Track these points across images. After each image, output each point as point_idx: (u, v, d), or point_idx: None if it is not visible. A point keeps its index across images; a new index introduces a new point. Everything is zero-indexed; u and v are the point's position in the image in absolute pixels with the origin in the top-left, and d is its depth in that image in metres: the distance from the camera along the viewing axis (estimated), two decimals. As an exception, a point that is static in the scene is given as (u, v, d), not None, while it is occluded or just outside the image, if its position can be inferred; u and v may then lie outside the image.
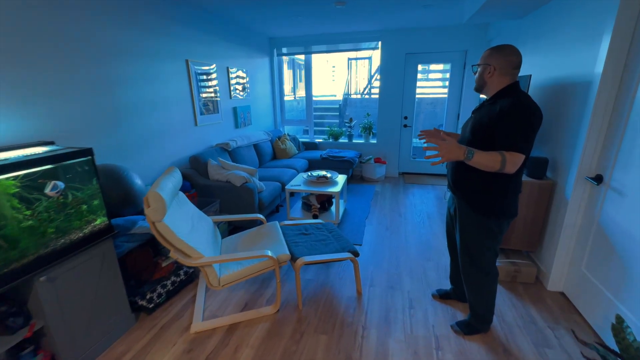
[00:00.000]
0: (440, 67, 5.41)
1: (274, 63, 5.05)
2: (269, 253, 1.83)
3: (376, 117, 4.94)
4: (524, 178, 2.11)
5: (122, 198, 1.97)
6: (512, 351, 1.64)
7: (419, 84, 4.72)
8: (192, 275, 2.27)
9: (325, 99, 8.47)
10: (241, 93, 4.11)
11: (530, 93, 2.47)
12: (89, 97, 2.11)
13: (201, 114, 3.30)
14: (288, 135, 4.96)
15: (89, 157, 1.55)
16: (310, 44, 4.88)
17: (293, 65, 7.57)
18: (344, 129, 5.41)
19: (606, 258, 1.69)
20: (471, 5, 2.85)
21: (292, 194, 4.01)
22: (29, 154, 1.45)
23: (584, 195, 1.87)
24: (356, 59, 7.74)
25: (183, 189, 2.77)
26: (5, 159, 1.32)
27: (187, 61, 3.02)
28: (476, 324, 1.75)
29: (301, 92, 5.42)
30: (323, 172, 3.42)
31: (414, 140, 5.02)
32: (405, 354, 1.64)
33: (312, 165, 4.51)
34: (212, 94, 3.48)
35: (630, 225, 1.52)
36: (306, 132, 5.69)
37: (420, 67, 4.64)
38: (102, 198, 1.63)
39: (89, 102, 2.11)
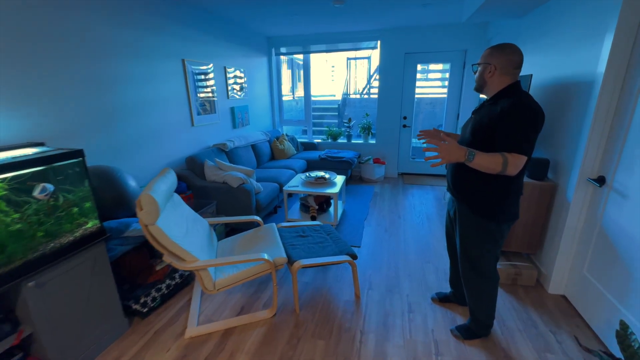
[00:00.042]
0: (439, 66, 5.37)
1: (272, 63, 5.02)
2: (266, 256, 1.79)
3: (375, 117, 4.91)
4: (525, 179, 2.07)
5: (115, 200, 1.93)
6: (512, 356, 1.61)
7: (418, 83, 4.69)
8: (187, 279, 2.23)
9: (324, 99, 8.44)
10: (239, 93, 4.07)
11: (531, 93, 2.43)
12: (82, 97, 2.07)
13: (198, 114, 3.26)
14: (286, 135, 4.92)
15: (80, 158, 1.51)
16: (309, 43, 4.84)
17: (292, 65, 7.53)
18: (342, 129, 5.38)
19: (609, 261, 1.66)
20: (470, 4, 2.82)
21: (290, 195, 3.98)
22: (17, 155, 1.41)
23: (586, 197, 1.84)
24: (355, 58, 7.71)
25: (179, 190, 2.74)
26: (-8, 161, 1.28)
27: (183, 61, 2.98)
28: (476, 328, 1.72)
29: (300, 92, 5.38)
30: (321, 173, 3.38)
31: (413, 140, 4.98)
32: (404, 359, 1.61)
33: (311, 165, 4.47)
34: (209, 94, 3.44)
35: (634, 228, 1.49)
36: (305, 132, 5.66)
37: (419, 67, 4.61)
38: (93, 200, 1.59)
39: (82, 102, 2.07)
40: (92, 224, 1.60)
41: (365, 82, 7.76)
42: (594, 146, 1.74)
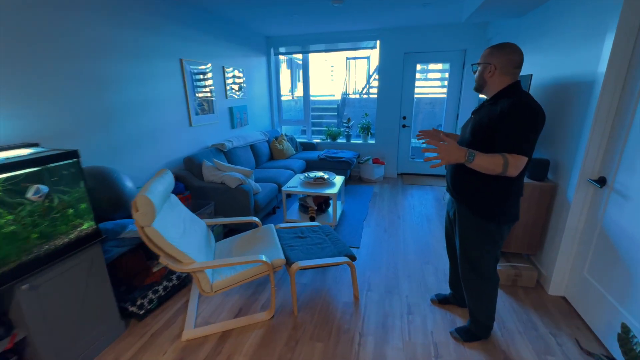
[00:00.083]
0: (439, 66, 5.36)
1: (271, 62, 5.00)
2: (263, 258, 1.77)
3: (374, 117, 4.89)
4: (525, 180, 2.05)
5: (111, 201, 1.91)
6: (513, 359, 1.59)
7: (417, 83, 4.67)
8: (185, 280, 2.21)
9: (324, 99, 8.42)
10: (237, 93, 4.05)
11: (531, 93, 2.41)
12: (78, 97, 2.05)
13: (196, 114, 3.24)
14: (285, 135, 4.90)
15: (75, 159, 1.49)
16: (308, 43, 4.82)
17: (291, 64, 7.52)
18: (342, 129, 5.36)
19: (609, 263, 1.65)
20: (470, 4, 2.80)
21: (289, 195, 3.96)
22: (11, 156, 1.39)
23: (587, 198, 1.82)
24: (354, 58, 7.69)
25: (177, 191, 2.72)
26: (-15, 162, 1.26)
27: (181, 60, 2.96)
28: (476, 330, 1.70)
29: (299, 92, 5.36)
30: (320, 173, 3.37)
31: (413, 140, 4.97)
32: (403, 362, 1.59)
33: (310, 166, 4.46)
34: (208, 94, 3.42)
35: (635, 230, 1.48)
36: (304, 132, 5.64)
37: (419, 67, 4.59)
38: (89, 201, 1.58)
39: (78, 101, 2.05)
40: (87, 226, 1.58)
41: (365, 82, 7.75)
42: (594, 147, 1.73)
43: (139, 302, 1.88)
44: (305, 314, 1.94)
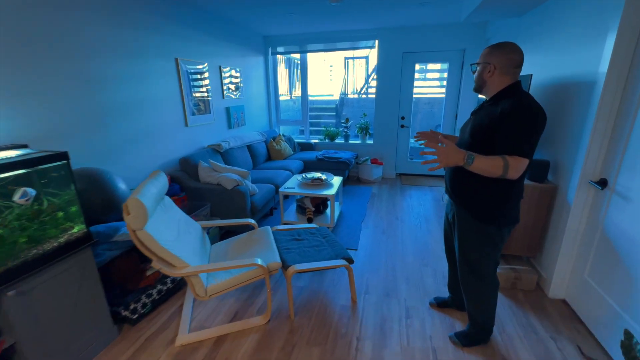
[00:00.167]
0: (437, 66, 5.34)
1: (268, 62, 4.96)
2: (259, 261, 1.74)
3: (373, 117, 4.86)
4: (525, 181, 2.03)
5: (104, 204, 1.87)
6: (513, 364, 1.57)
7: (416, 83, 4.64)
8: (180, 283, 2.17)
9: (322, 99, 8.38)
10: (234, 93, 4.01)
11: (531, 93, 2.39)
12: (70, 97, 2.00)
13: (192, 114, 3.20)
14: (283, 135, 4.87)
15: (64, 161, 1.46)
16: (306, 42, 4.78)
17: (289, 64, 7.47)
18: (340, 129, 5.33)
19: (611, 266, 1.62)
20: (469, 3, 2.77)
21: (286, 196, 3.93)
22: (-2, 158, 1.35)
23: (587, 200, 1.80)
24: (353, 58, 7.66)
25: (172, 192, 2.68)
26: (-30, 165, 1.22)
27: (176, 59, 2.92)
28: (475, 335, 1.67)
29: (298, 92, 5.32)
30: (318, 174, 3.33)
31: (411, 140, 4.94)
32: (401, 367, 1.56)
33: (308, 166, 4.42)
34: (204, 94, 3.38)
35: (637, 232, 1.45)
36: (302, 132, 5.60)
37: (417, 67, 4.56)
38: (79, 204, 1.54)
39: (70, 101, 2.01)
40: (78, 229, 1.54)
41: (363, 81, 7.72)
42: (595, 148, 1.70)
43: (132, 307, 1.84)
44: (302, 317, 1.91)
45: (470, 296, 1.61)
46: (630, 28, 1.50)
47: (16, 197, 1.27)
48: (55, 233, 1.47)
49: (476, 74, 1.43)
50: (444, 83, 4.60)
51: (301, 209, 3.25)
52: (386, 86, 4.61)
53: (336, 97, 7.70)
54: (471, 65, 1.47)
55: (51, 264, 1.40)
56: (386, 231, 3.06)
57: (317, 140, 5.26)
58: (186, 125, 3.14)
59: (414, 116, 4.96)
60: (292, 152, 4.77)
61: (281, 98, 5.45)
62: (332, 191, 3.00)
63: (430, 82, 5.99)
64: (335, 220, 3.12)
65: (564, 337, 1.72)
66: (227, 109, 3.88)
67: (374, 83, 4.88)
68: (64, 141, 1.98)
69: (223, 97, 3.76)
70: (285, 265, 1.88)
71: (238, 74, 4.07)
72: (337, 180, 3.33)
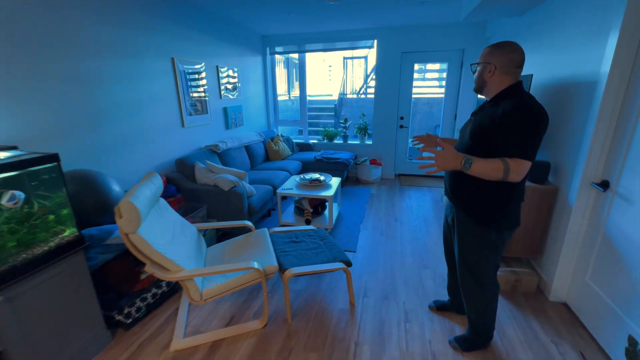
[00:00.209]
0: (436, 66, 5.32)
1: (266, 62, 4.92)
2: (255, 265, 1.71)
3: (372, 117, 4.83)
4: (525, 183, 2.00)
5: (97, 206, 1.84)
6: (514, 369, 1.54)
7: (415, 83, 4.62)
8: (175, 287, 2.14)
9: (321, 99, 8.35)
10: (232, 93, 3.97)
11: (531, 93, 2.35)
12: (62, 97, 1.97)
13: (189, 114, 3.17)
14: (281, 136, 4.83)
15: (55, 163, 1.42)
16: (305, 42, 4.75)
17: (288, 64, 7.43)
18: (339, 129, 5.29)
19: (613, 269, 1.59)
20: (468, 3, 2.75)
21: (284, 197, 3.89)
22: (-14, 160, 1.31)
23: (589, 202, 1.77)
24: (352, 58, 7.63)
25: (168, 194, 2.64)
26: (-44, 167, 1.19)
27: (173, 59, 2.88)
28: (475, 339, 1.64)
29: (297, 92, 5.28)
30: (316, 175, 3.30)
31: (410, 141, 4.91)
32: (400, 373, 1.53)
33: (306, 167, 4.39)
34: (201, 94, 3.35)
35: (639, 235, 1.42)
36: (301, 132, 5.57)
37: (416, 67, 4.53)
38: (71, 207, 1.50)
39: (62, 102, 1.97)
40: (69, 232, 1.51)
41: (362, 81, 7.69)
42: (597, 149, 1.67)
43: (126, 311, 1.81)
44: (299, 321, 1.87)
45: (470, 300, 1.58)
46: (633, 27, 1.48)
47: (4, 201, 1.23)
48: (45, 237, 1.44)
49: (476, 74, 1.40)
50: (443, 83, 4.57)
51: (299, 210, 3.22)
52: (385, 86, 4.58)
53: (335, 97, 7.67)
54: (471, 65, 1.44)
55: (41, 269, 1.37)
56: (385, 233, 3.03)
57: (315, 141, 5.22)
58: (183, 125, 3.11)
59: (413, 116, 4.93)
60: (291, 153, 4.74)
61: (280, 98, 5.42)
62: (330, 192, 2.97)
63: (429, 82, 5.97)
64: (333, 222, 3.09)
65: (566, 341, 1.69)
66: (225, 109, 3.84)
67: (372, 83, 4.85)
68: (56, 142, 1.94)
69: (220, 97, 3.72)
70: (282, 269, 1.85)
71: (236, 74, 4.03)
72: (335, 181, 3.30)
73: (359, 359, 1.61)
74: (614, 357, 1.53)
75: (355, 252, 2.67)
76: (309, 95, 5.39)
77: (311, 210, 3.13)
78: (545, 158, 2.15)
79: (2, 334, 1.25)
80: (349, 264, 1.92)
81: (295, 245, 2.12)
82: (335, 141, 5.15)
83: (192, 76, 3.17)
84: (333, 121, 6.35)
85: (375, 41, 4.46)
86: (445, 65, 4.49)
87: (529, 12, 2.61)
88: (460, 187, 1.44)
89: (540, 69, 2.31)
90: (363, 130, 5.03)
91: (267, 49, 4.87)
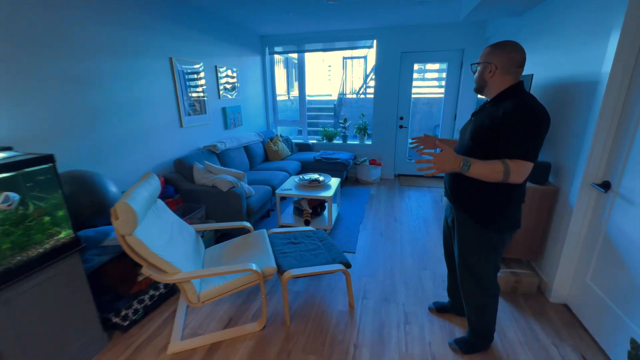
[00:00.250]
0: (436, 66, 5.31)
1: (265, 62, 4.91)
2: (254, 266, 1.69)
3: (371, 117, 4.82)
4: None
5: (94, 207, 1.82)
6: (514, 372, 1.52)
7: (414, 83, 4.60)
8: (173, 288, 2.12)
9: (320, 99, 8.33)
10: (231, 93, 3.96)
11: (532, 93, 2.34)
12: (58, 97, 1.95)
13: (187, 114, 3.15)
14: (281, 136, 4.82)
15: (50, 164, 1.40)
16: (304, 42, 4.73)
17: (287, 64, 7.42)
18: (338, 129, 5.28)
19: (614, 270, 1.58)
20: (468, 2, 2.73)
21: (283, 198, 3.88)
22: (-20, 161, 1.30)
23: (590, 202, 1.76)
24: (351, 57, 7.61)
25: (167, 195, 2.63)
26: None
27: (171, 59, 2.87)
28: (476, 341, 1.63)
29: (296, 92, 5.26)
30: (315, 176, 3.29)
31: (410, 141, 4.89)
32: (399, 376, 1.52)
33: (305, 167, 4.37)
34: (200, 94, 3.33)
35: (642, 237, 1.41)
36: (300, 132, 5.55)
37: (416, 67, 4.52)
38: (67, 208, 1.48)
39: (58, 102, 1.95)
40: (65, 234, 1.49)
41: (362, 81, 7.67)
42: (598, 149, 1.66)
43: (123, 313, 1.79)
44: (298, 323, 1.86)
45: (470, 302, 1.56)
46: (634, 26, 1.46)
47: (-2, 202, 1.21)
48: (41, 238, 1.42)
49: (477, 74, 1.38)
50: (443, 83, 4.56)
51: (298, 211, 3.21)
52: (384, 86, 4.57)
53: (334, 97, 7.66)
54: (471, 65, 1.43)
55: (36, 271, 1.35)
56: (384, 233, 3.02)
57: (315, 141, 5.21)
58: (181, 126, 3.09)
59: (413, 116, 4.92)
60: (290, 153, 4.73)
61: (279, 98, 5.40)
62: (329, 193, 2.96)
63: (429, 82, 5.95)
64: (332, 223, 3.08)
65: (567, 343, 1.68)
66: (224, 109, 3.83)
67: (372, 83, 4.84)
68: (53, 143, 1.92)
69: (219, 97, 3.71)
70: (280, 270, 1.83)
71: (235, 74, 4.01)
72: (334, 182, 3.28)
73: (358, 362, 1.60)
74: (611, 355, 1.52)
75: (354, 253, 2.66)
76: (308, 95, 5.37)
77: (310, 211, 3.11)
78: (545, 158, 2.14)
79: (-4, 338, 1.24)
80: (348, 265, 1.91)
81: (294, 247, 2.11)
82: (335, 141, 5.13)
83: (190, 76, 3.15)
84: (332, 121, 6.33)
85: (375, 41, 4.44)
86: (444, 65, 4.47)
87: (529, 12, 2.60)
88: (460, 188, 1.42)
89: (541, 68, 2.29)
90: (362, 131, 5.02)
91: (266, 48, 4.86)
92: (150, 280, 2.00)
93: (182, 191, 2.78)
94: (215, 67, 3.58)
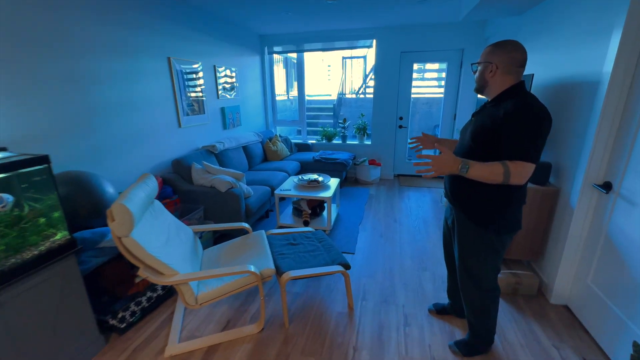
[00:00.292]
0: (436, 66, 5.29)
1: (265, 61, 4.89)
2: (252, 268, 1.67)
3: (371, 117, 4.80)
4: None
5: (91, 208, 1.80)
6: (515, 375, 1.51)
7: (414, 83, 4.59)
8: (171, 290, 2.10)
9: (320, 99, 8.31)
10: (230, 92, 3.94)
11: (532, 93, 2.33)
12: (55, 97, 1.93)
13: (185, 114, 3.13)
14: (280, 136, 4.80)
15: (45, 165, 1.38)
16: (303, 42, 4.72)
17: (286, 64, 7.40)
18: (337, 129, 5.26)
19: (615, 272, 1.56)
20: (468, 1, 2.72)
21: (282, 198, 3.86)
22: (-26, 162, 1.28)
23: (591, 203, 1.74)
24: (351, 57, 7.59)
25: (165, 195, 2.61)
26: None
27: (169, 59, 2.85)
28: (476, 343, 1.61)
29: (296, 92, 5.25)
30: (315, 176, 3.27)
31: (410, 141, 4.88)
32: (399, 379, 1.50)
33: (305, 167, 4.36)
34: (198, 94, 3.31)
35: (644, 239, 1.39)
36: (299, 132, 5.53)
37: (415, 66, 4.51)
38: (62, 210, 1.47)
39: (55, 102, 1.93)
40: (60, 236, 1.47)
41: (361, 81, 7.66)
42: (599, 150, 1.65)
43: (120, 315, 1.77)
44: (296, 325, 1.84)
45: (470, 304, 1.55)
46: (636, 25, 1.45)
47: (-9, 204, 1.20)
48: (36, 240, 1.40)
49: (477, 73, 1.37)
50: (443, 83, 4.54)
51: (298, 212, 3.19)
52: (384, 86, 4.55)
53: (334, 97, 7.64)
54: (472, 64, 1.41)
55: (31, 273, 1.33)
56: (384, 234, 3.00)
57: (314, 141, 5.19)
58: (179, 126, 3.07)
59: (412, 116, 4.90)
60: (289, 153, 4.71)
61: (278, 98, 5.38)
62: (328, 193, 2.94)
63: (428, 82, 5.94)
64: (332, 223, 3.06)
65: (568, 345, 1.66)
66: (222, 109, 3.81)
67: (371, 83, 4.82)
68: (49, 143, 1.90)
69: (218, 97, 3.69)
70: (279, 272, 1.81)
71: (233, 74, 3.99)
72: (334, 182, 3.26)
73: (358, 364, 1.58)
74: (612, 358, 1.51)
75: (353, 253, 2.64)
76: (308, 95, 5.36)
77: (309, 211, 3.10)
78: (546, 159, 2.13)
79: (-10, 341, 1.22)
80: (347, 266, 1.89)
81: (292, 248, 2.09)
82: (334, 141, 5.12)
83: (189, 76, 3.13)
84: (332, 121, 6.32)
85: (374, 41, 4.43)
86: (444, 65, 4.46)
87: (529, 11, 2.59)
88: (459, 188, 1.41)
89: (541, 68, 2.28)
90: (362, 131, 5.00)
91: (265, 48, 4.84)
92: (148, 281, 1.99)
93: (180, 192, 2.76)
94: (214, 66, 3.56)
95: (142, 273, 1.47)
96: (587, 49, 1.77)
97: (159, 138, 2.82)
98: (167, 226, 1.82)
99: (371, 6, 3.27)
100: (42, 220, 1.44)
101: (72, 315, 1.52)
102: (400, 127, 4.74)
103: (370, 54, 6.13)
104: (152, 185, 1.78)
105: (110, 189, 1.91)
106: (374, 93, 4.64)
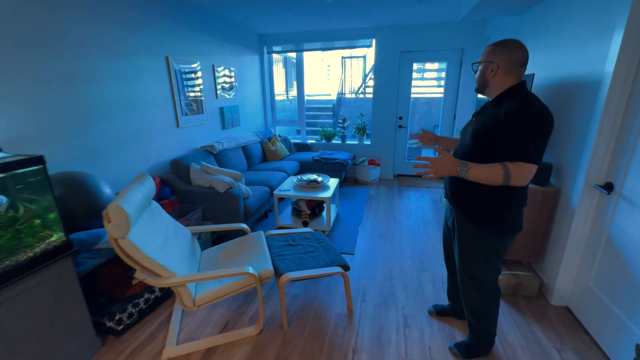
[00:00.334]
0: (435, 66, 5.28)
1: (264, 61, 4.87)
2: (250, 270, 1.66)
3: (370, 117, 4.78)
4: (527, 185, 1.96)
5: (87, 209, 1.78)
6: (516, 377, 1.50)
7: (414, 83, 4.57)
8: (169, 291, 2.08)
9: (319, 99, 8.30)
10: (229, 92, 3.92)
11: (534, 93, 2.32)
12: (51, 97, 1.91)
13: (184, 114, 3.11)
14: (279, 136, 4.78)
15: (40, 165, 1.37)
16: (302, 41, 4.70)
17: (286, 63, 7.38)
18: (337, 129, 5.25)
19: (617, 273, 1.55)
20: (468, 1, 2.70)
21: (281, 199, 3.84)
22: (-33, 163, 1.26)
23: (592, 204, 1.73)
24: (350, 57, 7.58)
25: (163, 196, 2.59)
26: None
27: (167, 58, 2.83)
28: (476, 345, 1.60)
29: (295, 92, 5.23)
30: (314, 176, 3.25)
31: (409, 141, 4.87)
32: (399, 382, 1.49)
33: (304, 167, 4.34)
34: (197, 94, 3.29)
35: (646, 240, 1.38)
36: (298, 132, 5.52)
37: (415, 66, 4.49)
38: (58, 211, 1.45)
39: (51, 102, 1.91)
40: (56, 237, 1.45)
41: (361, 81, 7.64)
42: (601, 150, 1.63)
43: (117, 317, 1.75)
44: (295, 327, 1.83)
45: (470, 306, 1.53)
46: (638, 25, 1.43)
47: (-15, 205, 1.18)
48: (31, 242, 1.38)
49: (478, 73, 1.35)
50: (442, 83, 4.53)
51: (297, 212, 3.17)
52: (384, 86, 4.54)
53: (333, 96, 7.62)
54: (473, 64, 1.39)
55: (26, 275, 1.32)
56: (384, 235, 2.99)
57: (313, 141, 5.17)
58: (178, 126, 3.05)
59: (412, 116, 4.89)
60: (288, 153, 4.69)
61: (277, 98, 5.36)
62: (328, 194, 2.92)
63: (428, 81, 5.93)
64: (331, 224, 3.05)
65: (569, 347, 1.65)
66: (221, 109, 3.79)
67: (371, 83, 4.81)
68: (45, 144, 1.89)
69: (217, 97, 3.67)
70: (278, 273, 1.80)
71: (232, 74, 3.98)
72: (333, 183, 3.25)
73: (357, 367, 1.57)
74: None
75: (353, 254, 2.63)
76: (307, 95, 5.34)
77: (309, 212, 3.08)
78: (547, 159, 2.11)
79: (-17, 345, 1.20)
80: (346, 268, 1.88)
81: (291, 249, 2.08)
82: (334, 141, 5.10)
83: (187, 76, 3.11)
84: (331, 121, 6.30)
85: (374, 40, 4.41)
86: (444, 65, 4.44)
87: (529, 11, 2.57)
88: (460, 190, 1.39)
89: (542, 68, 2.27)
90: (361, 130, 4.99)
91: (265, 48, 4.82)
92: (145, 283, 1.97)
93: (178, 192, 2.74)
94: (213, 66, 3.54)
95: (139, 275, 1.45)
96: (588, 48, 1.75)
97: (157, 138, 2.80)
98: (165, 227, 1.80)
99: (371, 6, 3.25)
100: (38, 221, 1.43)
101: (68, 317, 1.51)
102: (400, 127, 4.72)
103: (370, 53, 6.12)
104: (149, 186, 1.76)
105: (107, 190, 1.89)
106: (374, 93, 4.63)
